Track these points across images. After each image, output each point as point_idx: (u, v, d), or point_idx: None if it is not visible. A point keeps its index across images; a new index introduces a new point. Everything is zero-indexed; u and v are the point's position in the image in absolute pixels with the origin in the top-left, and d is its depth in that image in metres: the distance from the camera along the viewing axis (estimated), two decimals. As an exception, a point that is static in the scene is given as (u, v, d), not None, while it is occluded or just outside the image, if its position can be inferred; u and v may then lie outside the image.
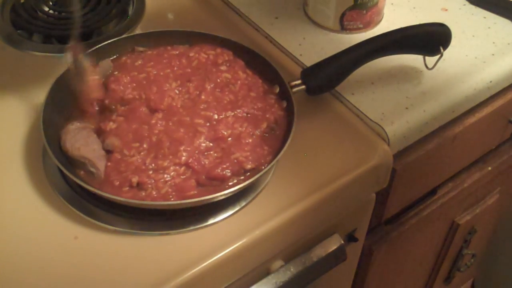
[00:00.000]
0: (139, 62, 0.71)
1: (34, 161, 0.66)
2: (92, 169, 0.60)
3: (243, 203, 0.63)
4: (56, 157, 0.60)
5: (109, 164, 0.62)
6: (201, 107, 0.67)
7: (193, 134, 0.64)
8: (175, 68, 0.71)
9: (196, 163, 0.62)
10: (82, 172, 0.61)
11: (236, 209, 0.62)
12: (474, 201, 1.08)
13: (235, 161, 0.63)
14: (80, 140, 0.62)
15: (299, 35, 0.83)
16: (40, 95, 0.65)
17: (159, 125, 0.65)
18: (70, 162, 0.63)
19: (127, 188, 0.60)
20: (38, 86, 0.68)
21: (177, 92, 0.68)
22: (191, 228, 0.61)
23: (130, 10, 0.88)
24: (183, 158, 0.62)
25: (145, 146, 0.63)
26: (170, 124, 0.65)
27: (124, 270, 0.57)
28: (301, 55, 0.79)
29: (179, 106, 0.67)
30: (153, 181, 0.60)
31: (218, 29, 0.82)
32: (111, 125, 0.65)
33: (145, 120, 0.65)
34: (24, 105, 0.71)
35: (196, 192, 0.61)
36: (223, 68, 0.72)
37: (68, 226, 0.60)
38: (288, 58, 0.80)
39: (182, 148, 0.62)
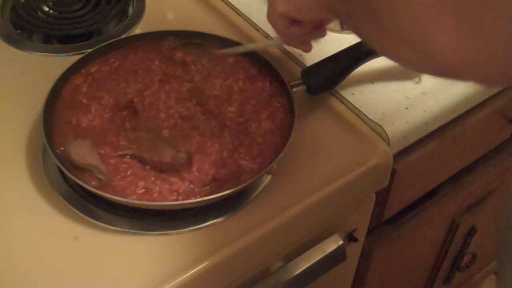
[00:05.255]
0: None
1: (34, 161, 0.65)
2: (100, 176, 0.60)
3: (243, 203, 0.63)
4: (56, 157, 0.60)
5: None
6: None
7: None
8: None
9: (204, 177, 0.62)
10: (93, 183, 0.60)
11: (236, 209, 0.62)
12: (474, 201, 1.08)
13: (241, 164, 0.63)
14: (85, 148, 0.62)
15: (299, 35, 0.83)
16: (40, 95, 0.65)
17: None
18: (77, 172, 0.61)
19: (132, 191, 0.60)
20: (38, 86, 0.68)
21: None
22: (191, 228, 0.61)
23: (130, 10, 0.88)
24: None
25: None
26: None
27: (124, 270, 0.57)
28: (301, 55, 0.79)
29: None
30: (158, 187, 0.60)
31: (218, 29, 0.82)
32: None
33: None
34: (25, 105, 0.71)
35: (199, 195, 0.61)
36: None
37: (68, 226, 0.60)
38: (288, 58, 0.80)
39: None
